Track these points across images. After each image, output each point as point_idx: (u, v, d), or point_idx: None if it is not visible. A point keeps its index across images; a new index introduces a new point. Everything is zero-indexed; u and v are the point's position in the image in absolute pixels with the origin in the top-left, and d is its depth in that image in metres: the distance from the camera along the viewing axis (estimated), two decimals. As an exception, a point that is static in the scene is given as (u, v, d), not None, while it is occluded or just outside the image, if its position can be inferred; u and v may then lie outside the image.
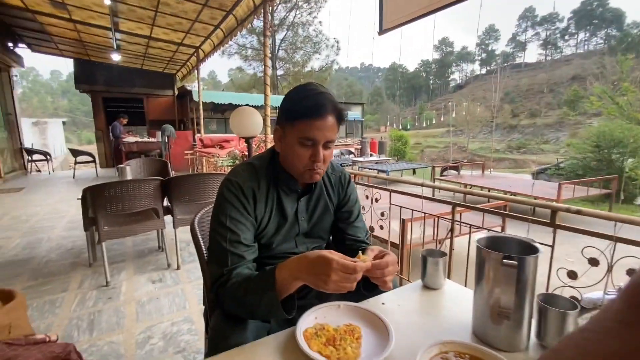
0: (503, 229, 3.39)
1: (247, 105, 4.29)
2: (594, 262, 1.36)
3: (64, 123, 21.33)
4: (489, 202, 4.81)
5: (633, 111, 6.23)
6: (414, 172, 9.15)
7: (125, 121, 7.96)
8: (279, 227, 0.94)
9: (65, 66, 52.36)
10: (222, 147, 6.43)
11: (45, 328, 1.79)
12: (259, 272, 0.82)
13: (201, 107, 7.71)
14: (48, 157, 8.58)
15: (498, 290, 0.69)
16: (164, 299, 2.11)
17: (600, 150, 7.15)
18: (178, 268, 2.56)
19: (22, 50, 8.36)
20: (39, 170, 8.84)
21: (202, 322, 1.27)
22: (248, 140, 2.53)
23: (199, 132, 8.17)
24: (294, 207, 0.96)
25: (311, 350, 0.68)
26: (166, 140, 6.64)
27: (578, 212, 1.41)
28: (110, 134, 8.08)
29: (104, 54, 8.45)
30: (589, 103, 7.10)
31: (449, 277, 1.03)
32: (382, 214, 2.57)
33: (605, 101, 6.86)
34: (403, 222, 2.64)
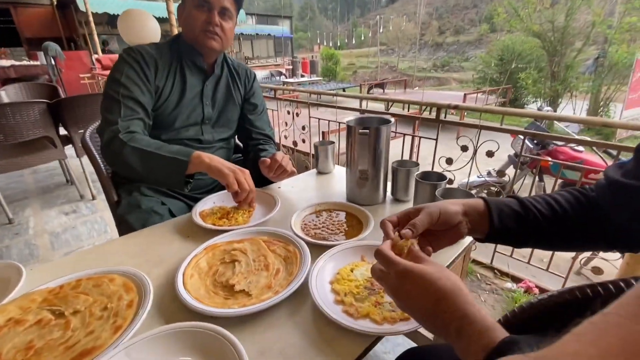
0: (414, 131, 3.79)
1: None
2: (464, 148, 1.66)
3: None
4: (408, 111, 5.33)
5: (531, 23, 6.86)
6: (344, 91, 9.22)
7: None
8: (180, 101, 0.95)
9: None
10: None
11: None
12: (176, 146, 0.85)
13: (91, 20, 6.33)
14: None
15: (358, 158, 0.83)
16: (81, 227, 2.04)
17: (503, 64, 7.97)
18: (94, 198, 2.42)
19: None
20: None
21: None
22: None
23: (95, 52, 6.87)
24: (199, 88, 0.99)
25: (204, 222, 0.78)
26: (52, 62, 5.49)
27: (455, 107, 1.65)
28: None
29: None
30: (496, 15, 7.53)
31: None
32: (303, 128, 2.66)
33: (510, 15, 7.39)
34: (323, 135, 2.79)
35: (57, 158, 2.32)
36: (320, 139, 2.83)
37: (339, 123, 2.43)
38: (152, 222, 0.84)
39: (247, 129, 1.13)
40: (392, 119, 0.82)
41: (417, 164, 0.87)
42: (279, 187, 1.02)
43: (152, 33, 2.10)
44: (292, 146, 2.82)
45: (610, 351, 0.15)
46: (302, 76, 11.90)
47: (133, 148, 0.80)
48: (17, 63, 6.48)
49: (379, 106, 6.07)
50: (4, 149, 2.17)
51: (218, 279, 0.59)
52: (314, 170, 1.15)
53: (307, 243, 0.66)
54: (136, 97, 0.86)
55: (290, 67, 12.84)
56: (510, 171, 2.53)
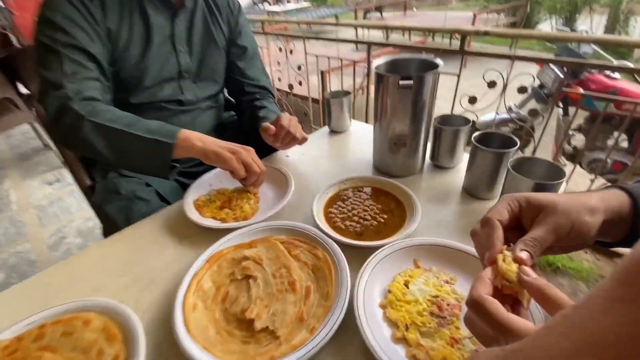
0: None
1: None
2: (492, 84, 1.42)
3: None
4: (410, 39, 4.83)
5: None
6: (337, 18, 8.29)
7: None
8: (146, 49, 0.70)
9: None
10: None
11: None
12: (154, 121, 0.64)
13: (34, -56, 5.31)
14: None
15: (394, 119, 0.63)
16: (68, 198, 1.88)
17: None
18: (77, 163, 2.22)
19: None
20: None
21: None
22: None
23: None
24: (168, 29, 0.73)
25: (202, 217, 0.61)
26: (0, 3, 4.72)
27: (486, 34, 1.36)
28: None
29: None
30: None
31: (367, 123, 0.97)
32: (299, 68, 2.34)
33: None
34: (322, 74, 2.47)
35: (24, 121, 2.06)
36: (320, 79, 2.51)
37: (341, 60, 2.12)
38: (137, 211, 0.67)
39: (238, 80, 0.88)
40: (440, 62, 0.60)
41: (467, 121, 0.67)
42: (287, 156, 0.83)
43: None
44: (288, 90, 2.52)
45: (580, 346, 0.16)
46: (289, 2, 10.62)
47: (95, 125, 0.59)
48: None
49: (376, 34, 5.47)
50: (-41, 116, 1.89)
51: (230, 308, 0.44)
52: (326, 129, 0.94)
53: (339, 243, 0.51)
54: (83, 46, 0.61)
55: (274, -8, 11.38)
56: (533, 105, 2.29)
